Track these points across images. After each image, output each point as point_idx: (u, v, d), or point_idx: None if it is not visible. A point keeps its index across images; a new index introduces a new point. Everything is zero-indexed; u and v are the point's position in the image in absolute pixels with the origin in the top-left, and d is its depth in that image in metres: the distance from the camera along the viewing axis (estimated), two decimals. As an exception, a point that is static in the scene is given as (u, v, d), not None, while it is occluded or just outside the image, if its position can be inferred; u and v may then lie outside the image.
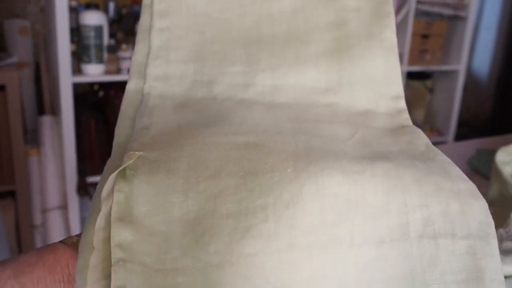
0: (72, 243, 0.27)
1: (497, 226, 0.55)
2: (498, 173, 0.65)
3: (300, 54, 0.31)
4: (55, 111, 1.55)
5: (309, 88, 0.31)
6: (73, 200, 1.46)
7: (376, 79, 0.31)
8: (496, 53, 2.63)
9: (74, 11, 1.45)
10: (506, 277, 0.47)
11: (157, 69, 0.31)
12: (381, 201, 0.23)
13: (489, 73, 2.67)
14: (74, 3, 1.45)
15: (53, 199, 1.54)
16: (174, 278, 0.22)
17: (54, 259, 0.26)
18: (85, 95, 1.66)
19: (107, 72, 1.48)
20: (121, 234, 0.23)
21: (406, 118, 0.31)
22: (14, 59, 1.52)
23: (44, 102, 1.63)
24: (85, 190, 1.47)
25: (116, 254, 0.23)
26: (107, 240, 0.24)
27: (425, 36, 1.91)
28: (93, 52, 1.41)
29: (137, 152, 0.25)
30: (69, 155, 1.43)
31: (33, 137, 1.63)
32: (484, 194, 0.74)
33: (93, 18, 1.40)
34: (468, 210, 0.25)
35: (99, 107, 1.63)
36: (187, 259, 0.22)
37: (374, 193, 0.23)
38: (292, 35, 0.32)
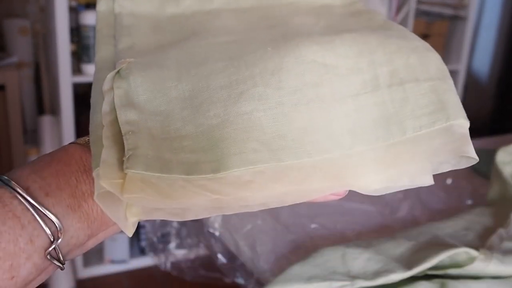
0: (81, 142, 0.29)
1: (497, 226, 0.55)
2: (498, 173, 0.65)
3: None
4: (55, 111, 1.55)
5: None
6: (73, 200, 1.46)
7: None
8: (496, 53, 2.64)
9: (74, 11, 1.45)
10: (506, 277, 0.47)
11: None
12: (352, 62, 0.27)
13: (489, 73, 2.67)
14: (74, 3, 1.45)
15: (53, 199, 1.54)
16: (180, 142, 0.25)
17: (67, 155, 0.28)
18: (85, 95, 1.66)
19: (107, 72, 1.48)
20: (127, 115, 0.26)
21: (362, 5, 0.35)
22: (14, 59, 1.52)
23: (44, 102, 1.63)
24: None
25: (125, 128, 0.25)
26: (115, 121, 0.26)
27: (425, 36, 1.90)
28: (93, 52, 1.41)
29: (128, 59, 0.28)
30: (69, 155, 1.42)
31: (33, 137, 1.63)
32: (484, 194, 0.74)
33: (93, 18, 1.40)
34: (426, 60, 0.29)
35: (99, 107, 1.63)
36: (189, 127, 0.25)
37: (346, 56, 0.27)
38: None
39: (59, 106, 1.41)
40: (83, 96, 1.64)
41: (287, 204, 0.26)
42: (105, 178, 0.23)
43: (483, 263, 0.46)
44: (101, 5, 0.33)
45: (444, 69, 0.29)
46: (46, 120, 1.56)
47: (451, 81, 0.29)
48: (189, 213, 0.26)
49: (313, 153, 0.25)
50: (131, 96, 0.26)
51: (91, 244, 0.28)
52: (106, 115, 0.26)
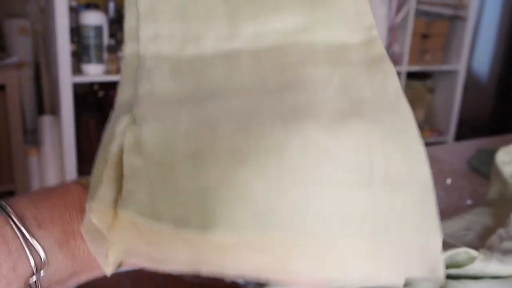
0: (81, 182, 0.30)
1: (497, 226, 0.55)
2: (498, 173, 0.65)
3: (277, 2, 0.35)
4: (55, 111, 1.55)
5: (289, 31, 0.35)
6: (73, 200, 1.46)
7: (348, 14, 0.35)
8: (496, 53, 2.64)
9: (74, 11, 1.45)
10: (506, 277, 0.47)
11: (148, 31, 0.34)
12: (352, 154, 0.28)
13: (489, 73, 2.67)
14: (74, 3, 1.45)
15: (53, 199, 1.54)
16: (176, 196, 0.26)
17: (66, 192, 0.29)
18: (85, 95, 1.66)
19: (107, 72, 1.48)
20: (132, 159, 0.27)
21: (379, 47, 0.35)
22: (14, 59, 1.52)
23: (44, 102, 1.63)
24: (85, 190, 1.46)
25: (127, 171, 0.26)
26: (120, 162, 0.27)
27: (425, 36, 1.90)
28: (93, 52, 1.41)
29: (145, 107, 0.29)
30: (69, 155, 1.43)
31: (33, 137, 1.63)
32: (484, 194, 0.74)
33: (93, 18, 1.40)
34: (418, 168, 0.30)
35: (99, 107, 1.63)
36: (188, 181, 0.26)
37: (348, 147, 0.28)
38: None
39: (59, 106, 1.41)
40: (83, 96, 1.64)
41: (262, 278, 0.27)
42: (96, 213, 0.25)
43: (483, 263, 0.46)
44: (127, 49, 0.34)
45: (430, 179, 0.30)
46: (46, 120, 1.56)
47: (433, 193, 0.30)
48: (167, 263, 0.27)
49: (300, 232, 0.26)
50: (140, 143, 0.27)
51: (72, 282, 0.29)
52: (113, 155, 0.27)
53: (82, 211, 0.28)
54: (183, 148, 0.27)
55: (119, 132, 0.28)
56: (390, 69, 0.34)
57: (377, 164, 0.29)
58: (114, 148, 0.28)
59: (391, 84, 0.33)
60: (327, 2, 0.35)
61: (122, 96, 0.32)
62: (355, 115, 0.30)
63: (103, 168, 0.27)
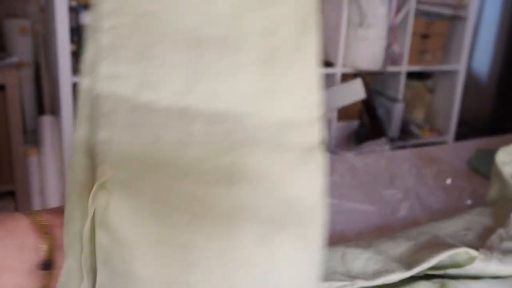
0: (31, 217, 0.31)
1: (497, 226, 0.55)
2: (498, 173, 0.65)
3: (235, 62, 0.34)
4: (55, 111, 1.55)
5: (242, 97, 0.35)
6: (73, 200, 1.46)
7: (298, 89, 0.35)
8: (496, 53, 2.64)
9: (74, 11, 1.45)
10: (506, 277, 0.47)
11: (107, 68, 0.33)
12: (277, 264, 0.32)
13: (489, 73, 2.67)
14: (74, 3, 1.45)
15: (53, 199, 1.54)
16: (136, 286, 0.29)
17: (13, 225, 0.30)
18: (85, 95, 1.65)
19: (107, 72, 1.48)
20: (101, 238, 0.30)
21: (316, 132, 0.35)
22: (14, 59, 1.52)
23: (44, 102, 1.63)
24: (85, 190, 1.46)
25: (98, 255, 0.29)
26: (93, 237, 0.30)
27: (425, 36, 1.90)
28: (93, 52, 1.41)
29: (109, 170, 0.30)
30: (69, 155, 1.43)
31: (33, 137, 1.63)
32: (484, 194, 0.74)
33: (93, 18, 1.40)
34: (311, 281, 0.34)
35: (99, 107, 1.62)
36: (147, 271, 0.29)
37: (274, 258, 0.31)
38: (229, 40, 0.34)
39: (59, 106, 1.41)
40: (83, 96, 1.63)
41: None
42: None
43: (483, 263, 0.46)
44: (84, 83, 0.33)
45: None
46: (46, 120, 1.56)
47: None
48: None
49: None
50: (107, 215, 0.30)
51: None
52: (87, 230, 0.30)
53: (20, 248, 0.30)
54: (146, 230, 0.30)
55: (91, 202, 0.30)
56: (319, 164, 0.35)
57: (293, 275, 0.32)
58: (87, 225, 0.30)
59: (315, 185, 0.35)
60: (281, 73, 0.35)
61: (79, 132, 0.33)
62: (283, 224, 0.33)
63: (77, 246, 0.30)
